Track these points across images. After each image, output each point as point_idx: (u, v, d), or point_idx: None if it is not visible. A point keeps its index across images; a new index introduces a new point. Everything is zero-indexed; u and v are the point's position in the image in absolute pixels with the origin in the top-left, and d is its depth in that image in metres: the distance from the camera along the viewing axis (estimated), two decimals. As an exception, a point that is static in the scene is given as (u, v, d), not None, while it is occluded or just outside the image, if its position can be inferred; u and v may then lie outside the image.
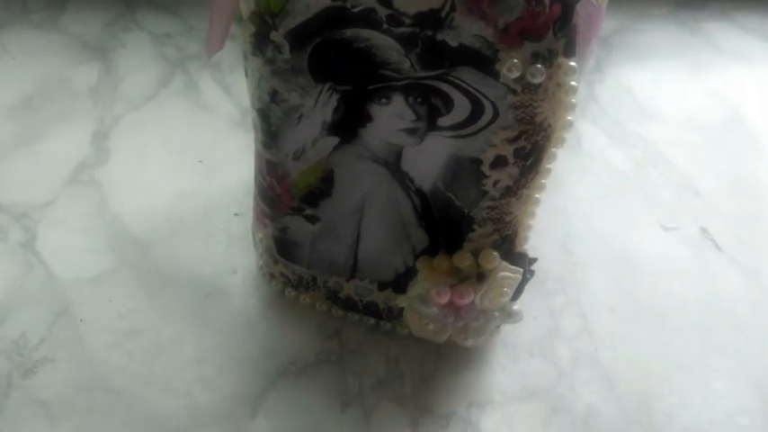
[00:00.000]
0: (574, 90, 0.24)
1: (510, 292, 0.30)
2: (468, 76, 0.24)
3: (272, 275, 0.34)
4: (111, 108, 0.46)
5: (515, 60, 0.23)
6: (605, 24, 0.58)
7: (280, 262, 0.34)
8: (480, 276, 0.29)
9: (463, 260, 0.29)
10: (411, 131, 0.27)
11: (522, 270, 0.30)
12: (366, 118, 0.27)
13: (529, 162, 0.27)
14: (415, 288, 0.30)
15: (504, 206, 0.28)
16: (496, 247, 0.30)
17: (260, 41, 0.26)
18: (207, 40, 0.23)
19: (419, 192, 0.30)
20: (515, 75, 0.23)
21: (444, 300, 0.29)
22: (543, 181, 0.28)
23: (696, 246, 0.41)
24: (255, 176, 0.32)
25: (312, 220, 0.32)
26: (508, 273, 0.29)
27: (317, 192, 0.31)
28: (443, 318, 0.29)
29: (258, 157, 0.31)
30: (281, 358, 0.33)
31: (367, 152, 0.29)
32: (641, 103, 0.51)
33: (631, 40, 0.57)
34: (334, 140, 0.29)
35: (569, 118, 0.25)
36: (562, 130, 0.25)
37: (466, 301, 0.29)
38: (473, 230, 0.29)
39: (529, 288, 0.33)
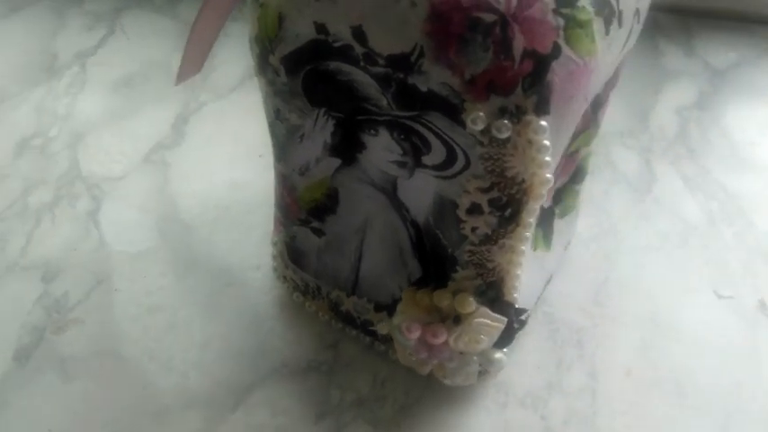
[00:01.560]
0: (546, 149, 0.23)
1: (487, 339, 0.29)
2: (438, 121, 0.24)
3: (284, 278, 0.36)
4: (197, 95, 0.50)
5: (480, 113, 0.22)
6: (721, 57, 0.54)
7: (290, 267, 0.35)
8: (457, 319, 0.29)
9: (442, 299, 0.28)
10: (401, 164, 0.27)
11: (504, 319, 0.29)
12: (361, 145, 0.28)
13: (507, 213, 0.26)
14: (396, 317, 0.30)
15: (484, 253, 0.27)
16: (481, 292, 0.29)
17: (262, 63, 0.27)
18: (181, 64, 0.24)
19: (414, 223, 0.29)
20: (480, 127, 0.22)
21: (413, 335, 0.28)
22: (527, 233, 0.27)
23: (748, 320, 0.37)
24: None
25: (318, 233, 0.33)
26: (487, 320, 0.29)
27: (323, 207, 0.32)
28: (417, 352, 0.29)
29: (274, 166, 0.33)
30: (275, 358, 0.34)
31: (366, 177, 0.29)
32: (737, 149, 0.46)
33: (747, 78, 0.52)
34: (336, 162, 0.29)
35: (548, 175, 0.24)
36: (540, 186, 0.24)
37: (438, 340, 0.29)
38: (456, 271, 0.28)
39: (540, 334, 0.32)
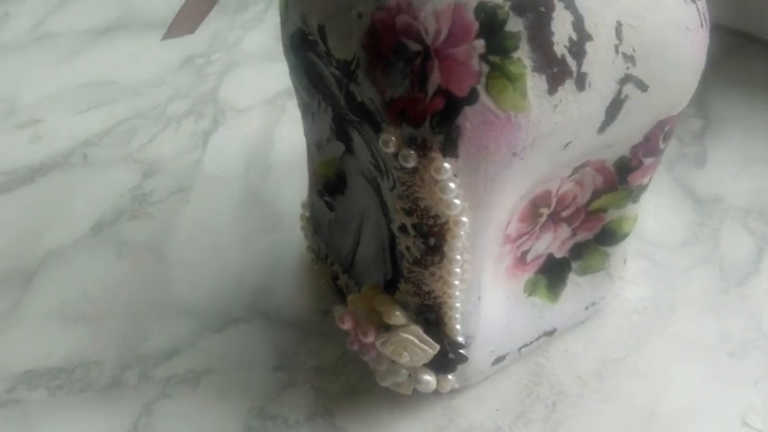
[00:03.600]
0: (450, 190, 0.22)
1: (409, 356, 0.29)
2: (370, 134, 0.24)
3: (306, 236, 0.39)
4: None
5: (392, 138, 0.22)
6: None
7: (311, 228, 0.37)
8: (387, 327, 0.29)
9: (381, 304, 0.29)
10: (375, 166, 0.28)
11: (435, 345, 0.29)
12: (349, 138, 0.29)
13: (431, 242, 0.25)
14: (343, 305, 0.31)
15: (417, 275, 0.27)
16: (420, 311, 0.29)
17: (282, 36, 0.29)
18: (175, 20, 0.26)
19: (389, 226, 0.30)
20: (390, 150, 0.22)
21: (344, 326, 0.29)
22: (458, 270, 0.26)
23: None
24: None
25: (330, 207, 0.35)
26: (414, 339, 0.29)
27: (333, 185, 0.34)
28: (350, 344, 0.30)
29: (306, 135, 0.35)
30: (271, 303, 0.38)
31: (361, 169, 0.30)
32: None
33: None
34: (342, 146, 0.31)
35: (463, 219, 0.23)
36: (455, 226, 0.23)
37: (366, 339, 0.29)
38: (401, 283, 0.29)
39: (520, 381, 0.33)
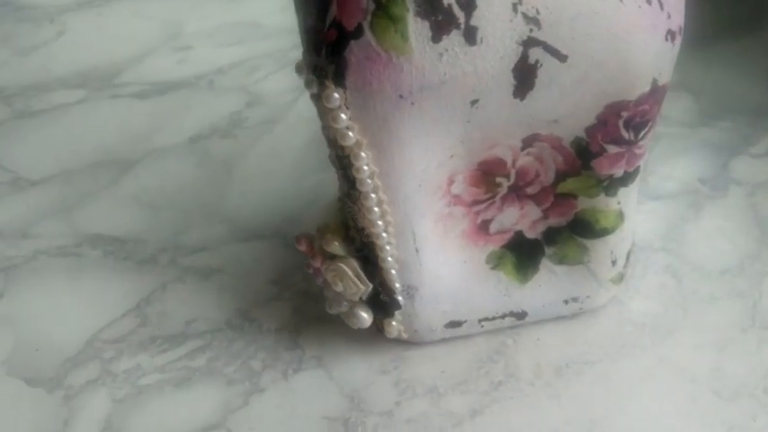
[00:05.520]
0: (341, 120, 0.24)
1: (341, 286, 0.31)
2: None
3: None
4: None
5: (304, 65, 0.24)
6: None
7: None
8: (332, 256, 0.31)
9: (327, 233, 0.31)
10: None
11: (367, 283, 0.31)
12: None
13: (344, 174, 0.27)
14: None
15: (350, 210, 0.29)
16: (361, 249, 0.30)
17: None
18: None
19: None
20: (301, 76, 0.25)
21: (300, 247, 0.32)
22: (376, 209, 0.27)
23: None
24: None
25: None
26: (348, 271, 0.30)
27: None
28: (307, 267, 0.33)
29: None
30: (291, 228, 0.42)
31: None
32: None
33: None
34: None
35: (362, 154, 0.24)
36: (355, 160, 0.25)
37: (314, 263, 0.32)
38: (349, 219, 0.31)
39: (475, 352, 0.34)
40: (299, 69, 0.25)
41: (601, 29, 0.23)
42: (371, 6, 0.22)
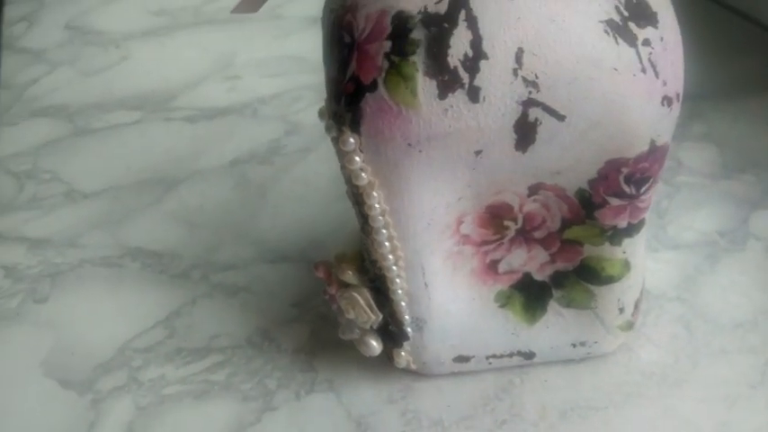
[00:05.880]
0: (355, 162, 0.26)
1: (353, 314, 0.33)
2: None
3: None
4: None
5: (326, 110, 0.26)
6: None
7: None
8: (345, 284, 0.33)
9: (344, 262, 0.33)
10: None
11: (378, 313, 0.32)
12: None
13: (358, 210, 0.29)
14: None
15: (365, 242, 0.31)
16: (374, 280, 0.32)
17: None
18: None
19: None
20: (322, 120, 0.27)
21: (318, 274, 0.34)
22: (386, 243, 0.29)
23: None
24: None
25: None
26: (360, 300, 0.32)
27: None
28: (324, 293, 0.35)
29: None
30: (316, 253, 0.44)
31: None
32: None
33: None
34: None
35: (374, 193, 0.26)
36: (368, 198, 0.27)
37: (330, 290, 0.34)
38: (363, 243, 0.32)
39: (482, 389, 0.35)
40: (321, 115, 0.27)
41: (597, 93, 0.24)
42: (386, 65, 0.24)
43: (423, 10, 0.24)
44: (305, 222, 0.47)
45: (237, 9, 0.33)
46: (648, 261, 0.41)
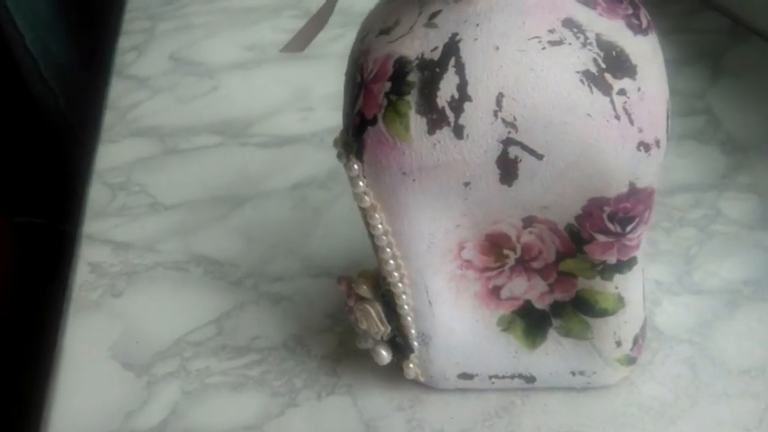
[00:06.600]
0: (359, 186, 0.29)
1: (366, 325, 0.36)
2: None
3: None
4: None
5: (338, 138, 0.30)
6: None
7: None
8: (361, 297, 0.37)
9: (361, 276, 0.37)
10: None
11: (387, 325, 0.36)
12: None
13: (368, 231, 0.32)
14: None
15: (377, 260, 0.34)
16: (384, 294, 0.36)
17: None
18: (292, 39, 0.37)
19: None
20: (336, 148, 0.31)
21: (340, 286, 0.38)
22: (391, 261, 0.33)
23: None
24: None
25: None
26: (372, 312, 0.36)
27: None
28: (345, 304, 0.39)
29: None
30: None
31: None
32: None
33: None
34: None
35: (376, 215, 0.30)
36: (371, 219, 0.30)
37: (349, 302, 0.37)
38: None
39: (484, 407, 0.38)
40: (335, 144, 0.32)
41: (572, 136, 0.27)
42: (384, 102, 0.28)
43: (420, 56, 0.28)
44: (350, 243, 0.51)
45: (286, 48, 0.38)
46: (666, 304, 0.42)
